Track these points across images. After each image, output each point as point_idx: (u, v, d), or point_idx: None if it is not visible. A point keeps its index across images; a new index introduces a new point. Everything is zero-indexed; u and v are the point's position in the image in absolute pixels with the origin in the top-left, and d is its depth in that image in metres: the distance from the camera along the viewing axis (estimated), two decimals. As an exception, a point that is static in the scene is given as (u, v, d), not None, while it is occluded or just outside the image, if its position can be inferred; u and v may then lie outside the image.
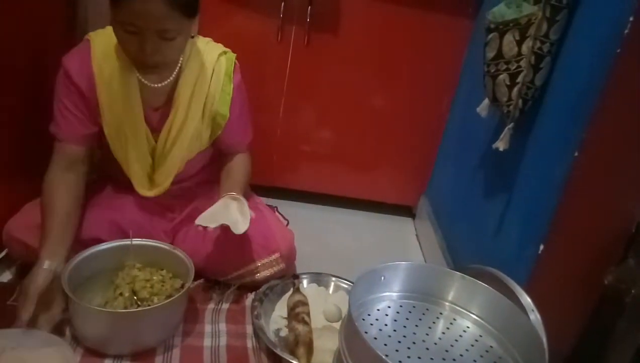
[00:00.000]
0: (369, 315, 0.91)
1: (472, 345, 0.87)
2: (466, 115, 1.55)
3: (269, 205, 1.55)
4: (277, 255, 1.26)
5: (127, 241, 1.17)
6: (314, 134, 1.80)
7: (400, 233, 1.85)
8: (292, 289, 1.27)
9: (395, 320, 0.90)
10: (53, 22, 1.39)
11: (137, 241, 1.17)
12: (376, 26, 1.62)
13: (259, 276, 1.26)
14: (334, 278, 1.36)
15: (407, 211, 1.95)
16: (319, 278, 1.36)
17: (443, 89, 1.71)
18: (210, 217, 1.09)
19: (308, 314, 1.15)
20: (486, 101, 1.21)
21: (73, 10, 1.46)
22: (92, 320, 1.01)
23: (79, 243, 1.14)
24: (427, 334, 0.88)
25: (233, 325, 1.19)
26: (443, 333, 0.89)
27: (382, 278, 0.94)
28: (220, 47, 1.22)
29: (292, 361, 1.04)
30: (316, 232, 1.70)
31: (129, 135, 1.15)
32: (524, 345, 0.84)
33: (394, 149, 1.83)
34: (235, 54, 1.24)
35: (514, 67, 1.07)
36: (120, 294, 1.09)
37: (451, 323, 0.91)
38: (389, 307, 0.93)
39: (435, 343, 0.85)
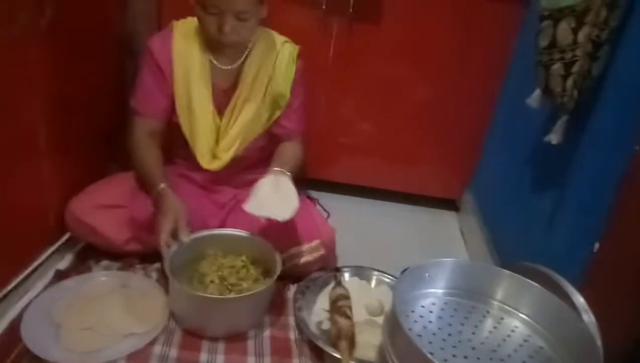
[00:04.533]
0: (412, 311, 0.89)
1: (521, 346, 0.84)
2: (515, 106, 1.49)
3: (309, 197, 1.56)
4: (318, 241, 1.27)
5: (207, 232, 1.23)
6: (356, 125, 1.78)
7: (443, 227, 1.81)
8: (333, 282, 1.27)
9: (440, 318, 0.89)
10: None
11: (218, 231, 1.25)
12: (420, 15, 1.58)
13: (300, 261, 1.27)
14: (376, 272, 1.35)
15: (450, 204, 1.91)
16: (360, 272, 1.35)
17: (490, 78, 1.65)
18: (258, 204, 1.12)
19: (350, 308, 1.14)
20: (538, 92, 1.15)
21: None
22: (193, 305, 1.09)
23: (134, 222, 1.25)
24: (473, 333, 0.86)
25: (276, 316, 1.20)
26: (490, 332, 0.87)
27: (427, 274, 0.92)
28: (284, 38, 1.30)
29: (335, 354, 1.04)
30: (357, 225, 1.69)
31: (196, 110, 1.24)
32: (576, 346, 0.81)
33: (438, 141, 1.79)
34: (299, 46, 1.30)
35: (569, 57, 1.01)
36: (211, 281, 1.16)
37: (499, 323, 0.89)
38: (434, 304, 0.92)
39: (482, 343, 0.83)
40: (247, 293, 1.10)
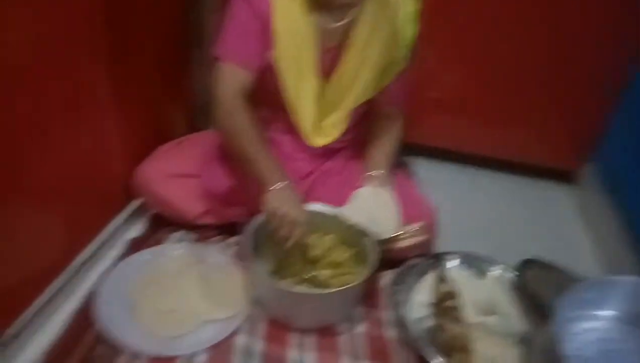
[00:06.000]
0: (568, 340, 0.69)
1: None
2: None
3: (403, 165, 1.35)
4: (420, 224, 1.09)
5: None
6: (448, 77, 1.50)
7: (554, 203, 1.55)
8: (433, 271, 1.09)
9: (604, 354, 0.68)
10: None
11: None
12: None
13: (399, 245, 1.08)
14: (485, 261, 1.14)
15: (562, 176, 1.62)
16: (466, 260, 1.15)
17: (632, 22, 1.30)
18: (355, 212, 1.04)
19: (460, 310, 0.96)
20: None
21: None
22: (277, 296, 0.96)
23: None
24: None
25: (368, 307, 1.05)
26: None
27: (586, 294, 0.71)
28: None
29: (444, 366, 0.87)
30: (452, 198, 1.45)
31: (303, 72, 1.03)
32: None
33: (552, 98, 1.48)
34: None
35: None
36: (294, 264, 1.03)
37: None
38: (594, 331, 0.71)
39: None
40: (337, 289, 0.94)
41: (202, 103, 1.50)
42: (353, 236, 1.05)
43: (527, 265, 1.10)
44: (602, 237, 1.33)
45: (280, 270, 1.04)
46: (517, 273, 1.09)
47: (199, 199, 1.13)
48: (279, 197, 0.92)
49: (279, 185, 0.93)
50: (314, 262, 1.04)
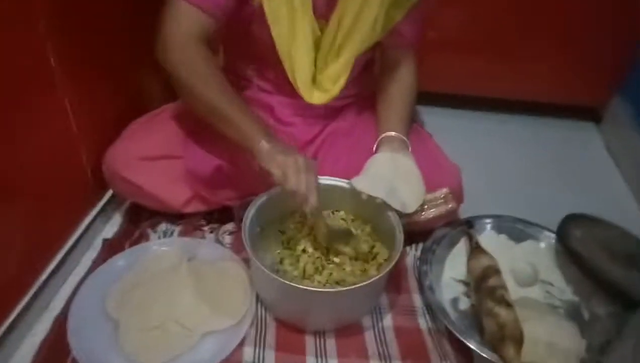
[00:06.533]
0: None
1: None
2: None
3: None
4: (445, 190, 0.93)
5: None
6: (448, 12, 1.31)
7: (582, 145, 1.40)
8: (466, 240, 0.94)
9: None
10: None
11: None
12: None
13: (423, 216, 0.93)
14: (518, 222, 0.99)
15: (584, 113, 1.46)
16: (498, 224, 0.99)
17: None
18: (371, 183, 0.87)
19: (507, 289, 0.81)
20: None
21: None
22: (285, 295, 0.79)
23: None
24: None
25: (394, 293, 0.90)
26: None
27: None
28: None
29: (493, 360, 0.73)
30: (469, 150, 1.27)
31: (297, 12, 0.83)
32: None
33: (572, 26, 1.31)
34: None
35: None
36: (303, 251, 0.87)
37: None
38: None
39: None
40: (359, 285, 0.76)
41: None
42: (369, 211, 0.89)
43: (569, 223, 0.94)
44: (637, 176, 1.19)
45: (286, 261, 0.88)
46: (559, 233, 0.94)
47: (182, 184, 0.94)
48: (275, 152, 0.75)
49: (265, 142, 0.76)
50: (326, 247, 0.88)
